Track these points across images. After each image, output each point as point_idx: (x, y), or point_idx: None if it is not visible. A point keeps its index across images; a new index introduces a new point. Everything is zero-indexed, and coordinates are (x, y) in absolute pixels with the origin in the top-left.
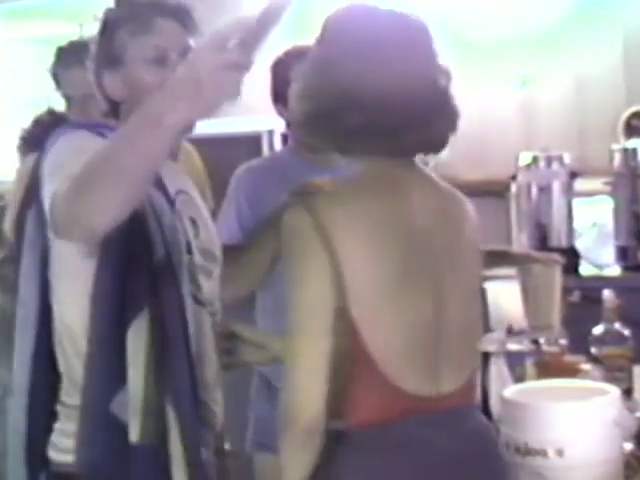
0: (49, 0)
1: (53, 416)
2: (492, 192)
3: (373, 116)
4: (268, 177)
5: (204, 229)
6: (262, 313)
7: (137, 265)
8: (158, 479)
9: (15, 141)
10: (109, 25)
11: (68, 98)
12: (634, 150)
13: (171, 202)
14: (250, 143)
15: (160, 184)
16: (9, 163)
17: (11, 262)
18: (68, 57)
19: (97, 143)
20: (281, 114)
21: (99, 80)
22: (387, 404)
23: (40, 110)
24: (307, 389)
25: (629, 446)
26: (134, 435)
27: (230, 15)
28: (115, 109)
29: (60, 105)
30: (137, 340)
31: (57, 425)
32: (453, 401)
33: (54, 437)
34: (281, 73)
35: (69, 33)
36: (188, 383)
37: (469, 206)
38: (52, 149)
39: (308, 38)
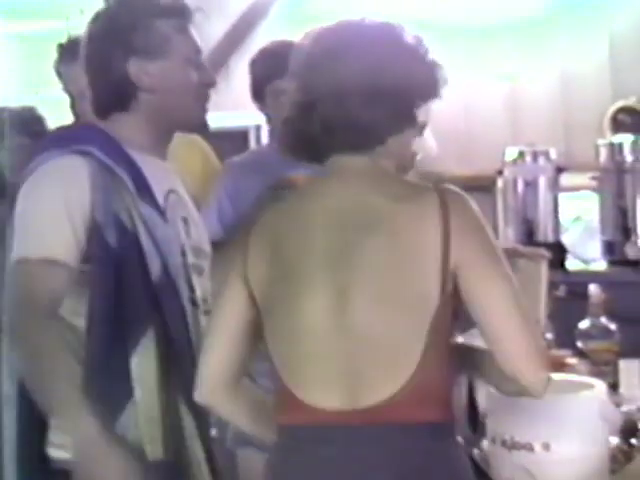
0: None
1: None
2: (478, 187)
3: (319, 117)
4: (250, 174)
5: (194, 227)
6: None
7: (135, 286)
8: None
9: None
10: (139, 12)
11: (71, 94)
12: (620, 145)
13: (161, 212)
14: (237, 138)
15: (148, 194)
16: None
17: None
18: (67, 53)
19: (72, 185)
20: (261, 110)
21: (118, 64)
22: (285, 407)
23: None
24: (209, 364)
25: (615, 440)
26: (156, 452)
27: (217, 11)
28: (128, 97)
29: (52, 100)
30: (145, 360)
31: (53, 421)
32: (371, 418)
33: (51, 434)
34: (259, 70)
35: (55, 28)
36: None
37: (443, 208)
38: (32, 177)
39: (299, 32)
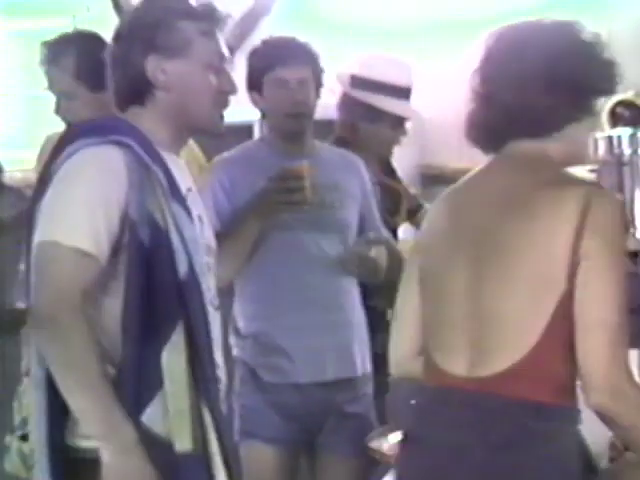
0: None
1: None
2: None
3: None
4: (244, 168)
5: (206, 224)
6: (248, 298)
7: (166, 284)
8: None
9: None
10: (167, 12)
11: (55, 94)
12: (619, 138)
13: (188, 211)
14: (242, 132)
15: (177, 192)
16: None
17: None
18: (50, 53)
19: (112, 174)
20: (256, 103)
21: (139, 60)
22: (426, 369)
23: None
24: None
25: (609, 435)
26: (186, 445)
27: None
28: (144, 93)
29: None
30: (176, 354)
31: (85, 428)
32: (485, 387)
33: (71, 423)
34: (259, 58)
35: (62, 25)
36: (217, 386)
37: (585, 201)
38: (69, 163)
39: (301, 30)
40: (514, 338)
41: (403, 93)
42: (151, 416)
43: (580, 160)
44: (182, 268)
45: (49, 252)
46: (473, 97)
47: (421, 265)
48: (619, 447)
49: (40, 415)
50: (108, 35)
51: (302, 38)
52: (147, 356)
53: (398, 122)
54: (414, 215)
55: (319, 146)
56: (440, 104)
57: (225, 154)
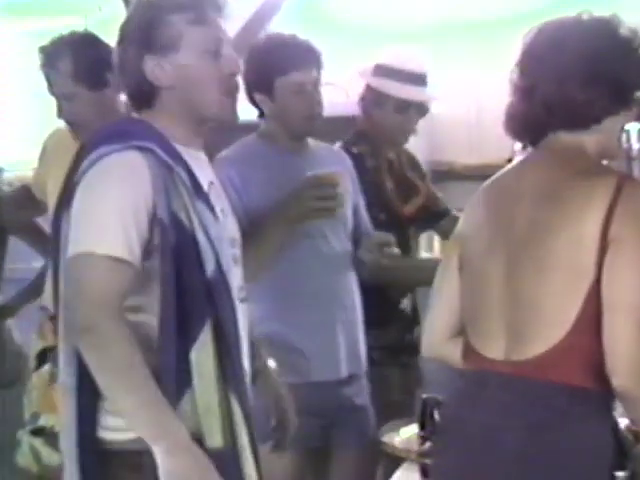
0: None
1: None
2: (489, 176)
3: None
4: (250, 165)
5: (230, 217)
6: (259, 298)
7: (194, 283)
8: (236, 477)
9: (21, 132)
10: (155, 9)
11: (56, 97)
12: (627, 132)
13: (212, 208)
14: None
15: (200, 191)
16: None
17: None
18: (50, 57)
19: (137, 183)
20: (263, 104)
21: (136, 63)
22: (465, 353)
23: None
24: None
25: (625, 421)
26: (217, 441)
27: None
28: (150, 95)
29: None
30: (204, 352)
31: (105, 404)
32: (520, 370)
33: (101, 416)
34: (272, 60)
35: (74, 24)
36: (245, 380)
37: (616, 191)
38: (93, 171)
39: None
40: (549, 323)
41: (409, 77)
42: (181, 413)
43: (614, 153)
44: (209, 266)
45: (85, 263)
46: (513, 90)
47: (461, 253)
48: (630, 439)
49: (71, 420)
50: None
51: (302, 35)
52: (177, 354)
53: (404, 105)
54: (431, 213)
55: (312, 142)
56: (449, 101)
57: (226, 152)
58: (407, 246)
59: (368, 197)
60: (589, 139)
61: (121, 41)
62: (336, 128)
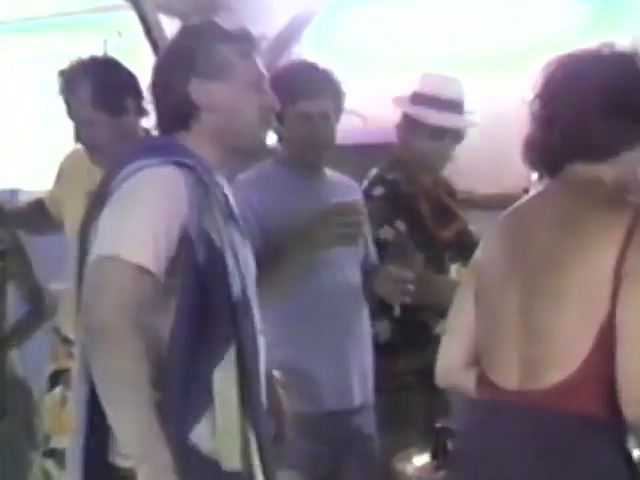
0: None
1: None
2: (506, 206)
3: None
4: (269, 189)
5: (248, 247)
6: (270, 325)
7: (221, 304)
8: None
9: (42, 153)
10: (206, 36)
11: (75, 121)
12: None
13: (242, 232)
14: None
15: (233, 214)
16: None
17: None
18: (70, 82)
19: (172, 196)
20: (275, 130)
21: (182, 84)
22: (479, 383)
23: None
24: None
25: (638, 452)
26: (235, 463)
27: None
28: (189, 117)
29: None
30: (227, 375)
31: (123, 448)
32: (534, 400)
33: (112, 441)
34: (279, 93)
35: (93, 48)
36: (263, 408)
37: (633, 222)
38: (130, 181)
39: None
40: (563, 354)
41: (445, 105)
42: (199, 434)
43: (632, 186)
44: (235, 290)
45: (110, 266)
46: (532, 121)
47: (477, 282)
48: None
49: (79, 431)
50: (139, 60)
51: (323, 65)
52: (198, 375)
53: (439, 133)
54: (467, 240)
55: (328, 171)
56: (470, 131)
57: (244, 175)
58: (443, 271)
59: (404, 223)
60: (607, 171)
61: (164, 65)
62: (355, 156)
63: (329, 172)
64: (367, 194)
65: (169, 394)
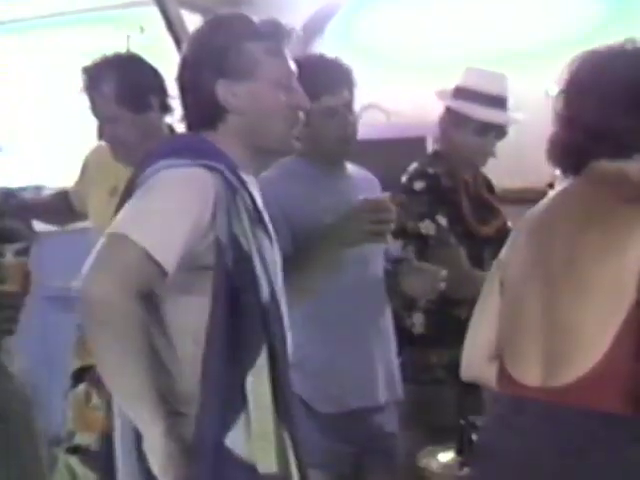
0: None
1: None
2: (530, 200)
3: None
4: (294, 185)
5: (276, 248)
6: (301, 322)
7: (251, 308)
8: None
9: (65, 150)
10: (233, 35)
11: (99, 118)
12: None
13: (270, 235)
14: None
15: (262, 219)
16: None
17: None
18: (93, 79)
19: (196, 194)
20: None
21: (209, 85)
22: (500, 379)
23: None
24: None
25: None
26: (271, 467)
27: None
28: (216, 118)
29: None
30: (260, 378)
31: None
32: (556, 397)
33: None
34: (305, 86)
35: (116, 44)
36: (295, 408)
37: None
38: (159, 175)
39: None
40: (584, 349)
41: (491, 100)
42: (234, 439)
43: None
44: (264, 292)
45: (118, 243)
46: (556, 118)
47: (502, 278)
48: None
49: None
50: (162, 56)
51: (338, 58)
52: (231, 379)
53: (484, 128)
54: (504, 235)
55: (348, 165)
56: None
57: (267, 172)
58: (482, 267)
59: (445, 217)
60: (632, 168)
61: (191, 63)
62: (379, 151)
63: (349, 166)
64: (407, 188)
65: (205, 400)
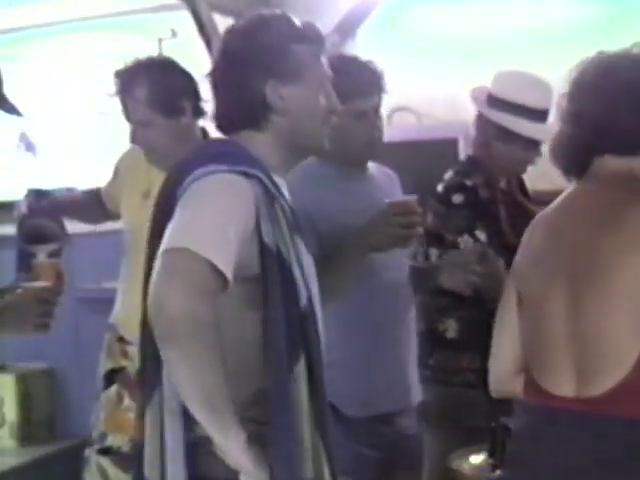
0: (128, 16)
1: None
2: None
3: None
4: (319, 189)
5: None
6: (328, 326)
7: (291, 315)
8: None
9: (97, 152)
10: (280, 35)
11: (132, 122)
12: None
13: (306, 241)
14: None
15: (297, 223)
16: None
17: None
18: (127, 82)
19: (237, 198)
20: None
21: (255, 84)
22: (529, 391)
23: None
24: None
25: None
26: (307, 473)
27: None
28: (261, 117)
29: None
30: (298, 384)
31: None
32: (591, 407)
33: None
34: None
35: (148, 49)
36: (329, 416)
37: None
38: (200, 182)
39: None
40: (615, 356)
41: (538, 115)
42: None
43: None
44: (303, 299)
45: (180, 257)
46: (561, 119)
47: (519, 288)
48: None
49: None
50: (194, 60)
51: (364, 57)
52: (287, 380)
53: (532, 144)
54: None
55: (370, 165)
56: None
57: (290, 176)
58: None
59: (484, 232)
60: (638, 164)
61: (238, 61)
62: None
63: (371, 165)
64: (445, 200)
65: (273, 412)
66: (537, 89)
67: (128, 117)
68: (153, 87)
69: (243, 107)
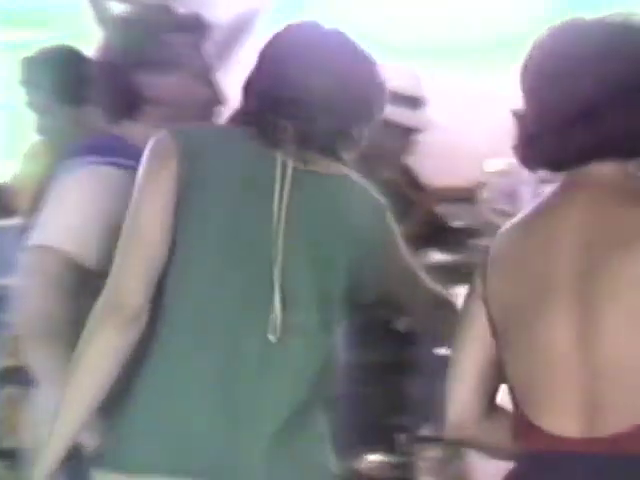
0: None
1: None
2: (462, 198)
3: None
4: None
5: None
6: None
7: None
8: None
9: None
10: (153, 25)
11: (35, 109)
12: None
13: None
14: None
15: None
16: None
17: None
18: (22, 72)
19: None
20: None
21: (129, 75)
22: (524, 434)
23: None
24: (459, 397)
25: None
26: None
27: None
28: (135, 107)
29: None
30: None
31: None
32: (605, 448)
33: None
34: None
35: (48, 38)
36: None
37: None
38: (56, 184)
39: None
40: (637, 391)
41: (412, 102)
42: None
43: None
44: None
45: (40, 255)
46: (528, 114)
47: (497, 315)
48: None
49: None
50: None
51: None
52: None
53: (406, 132)
54: (434, 232)
55: None
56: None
57: None
58: None
59: None
60: (631, 171)
61: (112, 52)
62: None
63: None
64: None
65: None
66: (406, 77)
67: (30, 105)
68: (56, 75)
69: (118, 98)
